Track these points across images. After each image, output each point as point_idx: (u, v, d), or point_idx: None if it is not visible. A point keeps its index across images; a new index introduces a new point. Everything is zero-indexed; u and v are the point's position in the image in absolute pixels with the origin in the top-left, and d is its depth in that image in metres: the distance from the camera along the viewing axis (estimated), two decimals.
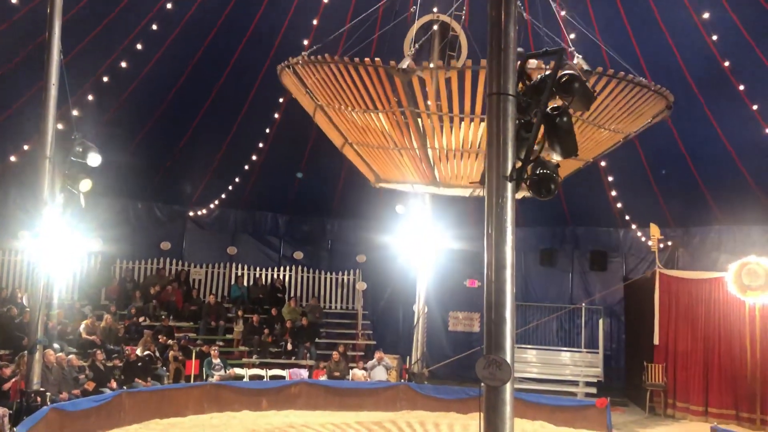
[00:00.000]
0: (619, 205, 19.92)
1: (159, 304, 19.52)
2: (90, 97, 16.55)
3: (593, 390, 18.80)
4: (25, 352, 12.74)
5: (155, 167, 20.00)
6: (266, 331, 19.41)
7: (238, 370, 17.70)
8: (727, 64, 15.96)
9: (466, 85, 11.27)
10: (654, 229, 18.19)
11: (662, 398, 17.45)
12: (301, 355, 19.02)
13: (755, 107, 16.32)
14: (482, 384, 6.36)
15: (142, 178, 19.95)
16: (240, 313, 19.95)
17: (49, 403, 12.12)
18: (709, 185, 18.46)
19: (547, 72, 6.70)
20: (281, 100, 18.18)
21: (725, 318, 16.83)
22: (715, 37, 15.61)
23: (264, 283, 22.09)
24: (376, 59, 11.44)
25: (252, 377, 17.68)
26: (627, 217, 20.37)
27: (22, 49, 15.44)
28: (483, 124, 11.70)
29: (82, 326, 16.89)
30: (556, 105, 6.73)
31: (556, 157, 6.81)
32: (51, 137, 12.37)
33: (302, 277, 22.59)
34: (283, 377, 17.67)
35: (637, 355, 18.70)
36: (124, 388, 14.78)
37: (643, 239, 20.31)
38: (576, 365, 20.19)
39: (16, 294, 17.36)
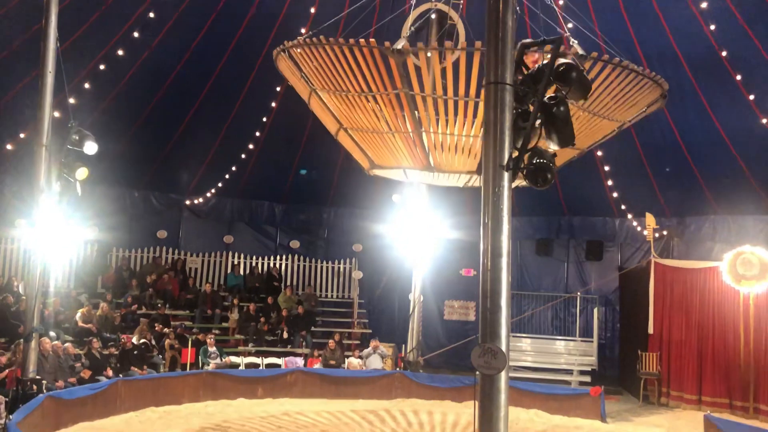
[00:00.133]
0: (615, 194, 19.96)
1: (155, 292, 19.53)
2: (87, 85, 16.48)
3: (587, 378, 18.88)
4: (21, 340, 12.72)
5: (152, 156, 19.95)
6: (262, 319, 19.45)
7: (233, 359, 17.74)
8: (724, 53, 15.96)
9: (461, 68, 11.30)
10: (649, 219, 18.22)
11: (656, 387, 17.51)
12: (297, 344, 19.08)
13: (751, 97, 16.34)
14: (477, 372, 6.37)
15: (138, 166, 19.93)
16: (236, 301, 20.00)
17: (45, 391, 12.10)
18: (705, 175, 18.51)
19: (545, 61, 6.70)
20: (278, 88, 18.16)
21: (719, 307, 16.88)
22: (713, 27, 15.61)
23: (260, 271, 22.13)
24: (371, 40, 11.45)
25: (248, 365, 17.74)
26: (623, 207, 20.41)
27: (18, 37, 15.37)
28: (477, 107, 11.75)
29: (79, 314, 16.89)
30: (553, 94, 6.73)
31: (553, 147, 6.81)
32: (47, 125, 12.31)
33: (298, 265, 22.64)
34: (278, 365, 17.73)
35: (632, 344, 18.76)
36: (120, 376, 14.81)
37: (639, 229, 20.36)
38: (571, 354, 20.27)
39: (13, 282, 17.37)
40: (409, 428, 14.18)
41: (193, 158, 20.50)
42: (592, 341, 20.05)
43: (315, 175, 20.84)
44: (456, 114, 12.10)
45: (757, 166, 17.58)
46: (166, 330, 17.64)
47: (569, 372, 19.42)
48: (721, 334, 16.80)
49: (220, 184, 21.49)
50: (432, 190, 17.58)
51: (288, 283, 21.97)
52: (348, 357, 18.13)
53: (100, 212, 18.76)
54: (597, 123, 12.89)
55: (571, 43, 12.12)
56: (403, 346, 18.43)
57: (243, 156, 20.35)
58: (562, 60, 6.72)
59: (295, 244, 22.90)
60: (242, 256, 22.28)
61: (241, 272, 21.89)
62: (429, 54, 11.78)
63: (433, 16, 13.19)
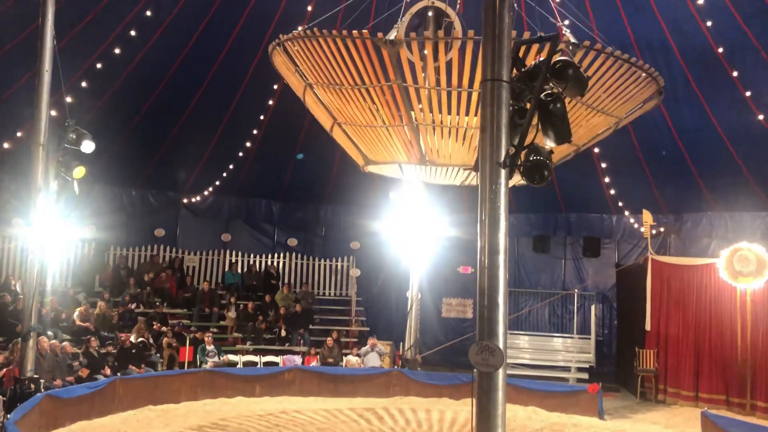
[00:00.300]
0: (612, 191, 19.98)
1: (153, 290, 19.53)
2: (84, 84, 16.48)
3: (585, 375, 18.92)
4: (19, 339, 12.71)
5: (149, 154, 19.93)
6: (260, 317, 19.46)
7: (231, 357, 17.76)
8: (721, 50, 15.97)
9: (454, 59, 11.34)
10: (646, 216, 18.23)
11: (653, 383, 17.54)
12: (295, 342, 19.08)
13: (748, 93, 16.35)
14: (475, 370, 6.39)
15: (135, 164, 19.90)
16: (233, 299, 19.99)
17: (42, 390, 12.09)
18: (702, 172, 18.52)
19: (541, 58, 6.71)
20: (275, 87, 18.15)
21: (716, 304, 16.90)
22: (709, 23, 15.62)
23: (258, 269, 22.12)
24: (364, 31, 11.46)
25: (246, 364, 17.74)
26: (620, 204, 20.42)
27: (15, 35, 15.34)
28: (470, 97, 11.79)
29: (76, 313, 16.88)
30: (550, 91, 6.74)
31: (549, 144, 6.83)
32: (44, 124, 12.30)
33: (296, 263, 22.66)
34: (276, 364, 17.74)
35: (629, 341, 18.79)
36: (118, 374, 14.79)
37: (636, 225, 20.38)
38: (568, 351, 20.29)
39: (10, 281, 17.35)
40: (407, 426, 14.17)
41: (190, 156, 20.48)
42: (589, 338, 20.08)
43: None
44: (450, 104, 12.14)
45: (753, 163, 17.60)
46: (163, 328, 17.64)
47: (567, 369, 19.46)
48: (718, 331, 16.82)
49: (217, 183, 21.48)
50: (429, 188, 17.59)
51: (286, 281, 21.97)
52: (346, 355, 18.13)
53: (97, 211, 18.76)
54: (592, 117, 12.92)
55: (563, 32, 12.16)
56: (401, 343, 18.43)
57: (240, 154, 20.34)
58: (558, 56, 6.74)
59: (292, 242, 22.91)
60: (240, 254, 22.27)
61: (239, 270, 21.89)
62: (425, 52, 11.81)
63: (430, 13, 13.20)
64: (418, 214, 17.64)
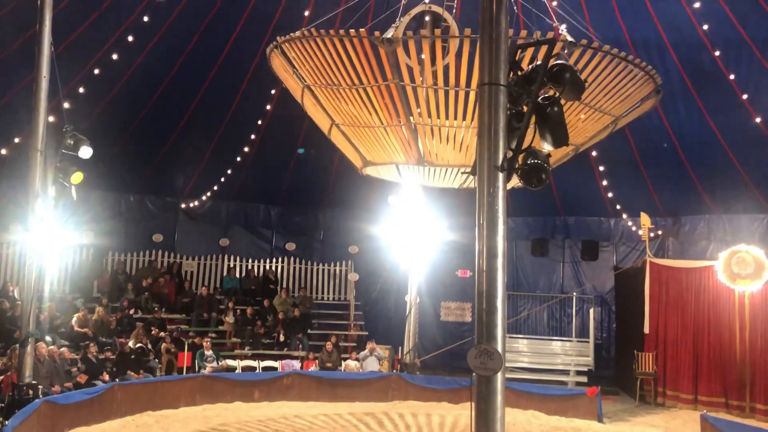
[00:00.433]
0: (610, 194, 20.00)
1: (151, 296, 19.50)
2: (81, 90, 16.47)
3: (584, 379, 18.89)
4: (17, 345, 12.70)
5: (147, 159, 19.94)
6: (258, 322, 19.43)
7: (230, 362, 17.72)
8: (717, 53, 16.00)
9: (450, 59, 11.36)
10: (644, 219, 18.25)
11: (652, 387, 17.53)
12: (294, 347, 19.06)
13: (745, 96, 16.38)
14: (474, 374, 6.38)
15: (133, 170, 19.92)
16: (232, 304, 19.96)
17: (41, 396, 12.07)
18: (699, 174, 18.55)
19: (539, 62, 6.72)
20: (273, 91, 18.16)
21: (715, 306, 16.90)
22: (705, 27, 15.65)
23: (256, 274, 22.10)
24: (361, 30, 11.49)
25: (244, 369, 17.71)
26: (618, 207, 20.44)
27: (12, 42, 15.35)
28: (467, 97, 11.81)
29: (74, 319, 16.85)
30: (547, 95, 6.76)
31: (547, 147, 6.84)
32: (42, 130, 12.29)
33: (294, 268, 22.63)
34: (275, 368, 17.71)
35: (628, 344, 18.78)
36: (117, 380, 14.76)
37: (634, 228, 20.41)
38: (567, 354, 20.28)
39: (8, 287, 17.32)
40: (407, 431, 14.17)
41: (188, 161, 20.49)
42: (588, 341, 20.05)
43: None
44: (447, 104, 12.16)
45: (751, 165, 17.62)
46: (162, 334, 17.61)
47: (566, 372, 19.43)
48: (716, 333, 16.82)
49: (215, 187, 21.49)
50: (427, 192, 17.59)
51: (284, 285, 21.95)
52: (345, 359, 18.11)
53: (95, 216, 18.77)
54: (590, 116, 12.93)
55: (561, 31, 12.18)
56: (400, 348, 18.40)
57: (238, 159, 20.34)
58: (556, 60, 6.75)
59: (291, 246, 22.87)
60: (238, 259, 22.25)
61: (237, 275, 21.87)
62: (423, 56, 11.83)
63: (427, 18, 13.22)
64: (417, 217, 17.64)
